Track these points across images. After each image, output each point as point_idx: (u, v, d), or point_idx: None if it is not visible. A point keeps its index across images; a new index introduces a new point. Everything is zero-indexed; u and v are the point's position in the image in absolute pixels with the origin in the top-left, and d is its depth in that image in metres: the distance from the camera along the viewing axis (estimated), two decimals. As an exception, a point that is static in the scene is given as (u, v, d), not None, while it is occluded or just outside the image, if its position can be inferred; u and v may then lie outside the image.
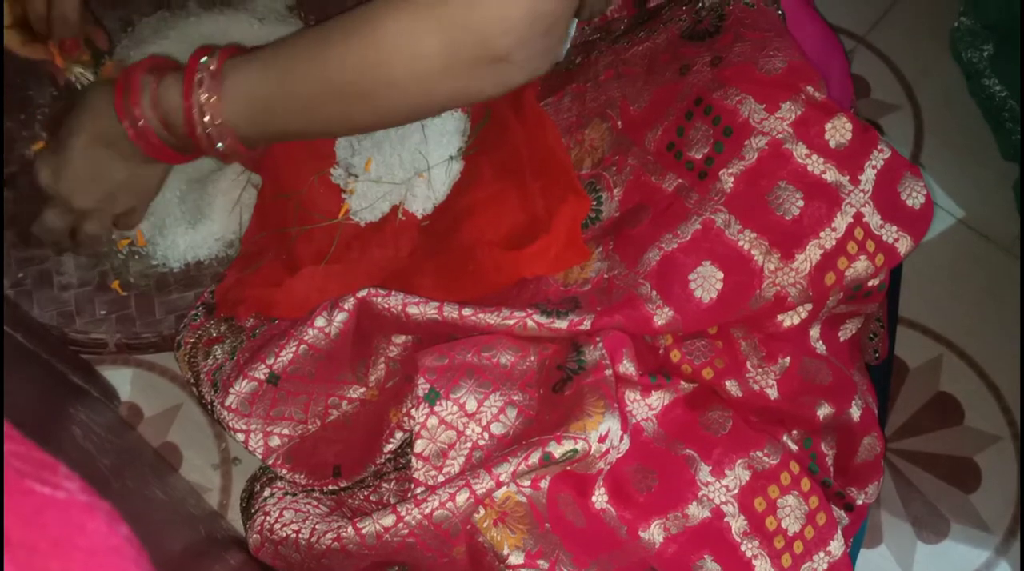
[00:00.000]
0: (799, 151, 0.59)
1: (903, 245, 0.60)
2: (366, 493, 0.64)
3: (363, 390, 0.68)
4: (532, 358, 0.60)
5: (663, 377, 0.60)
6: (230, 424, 0.66)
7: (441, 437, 0.57)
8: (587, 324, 0.58)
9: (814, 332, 0.64)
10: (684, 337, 0.61)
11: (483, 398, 0.58)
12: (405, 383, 0.63)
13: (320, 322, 0.64)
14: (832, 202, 0.59)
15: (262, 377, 0.65)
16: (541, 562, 0.53)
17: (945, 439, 0.93)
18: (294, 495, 0.65)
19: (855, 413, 0.62)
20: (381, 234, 0.73)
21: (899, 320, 0.95)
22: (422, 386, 0.58)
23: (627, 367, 0.58)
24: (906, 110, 1.06)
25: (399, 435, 0.60)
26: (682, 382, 0.61)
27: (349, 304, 0.63)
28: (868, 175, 0.59)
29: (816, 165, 0.59)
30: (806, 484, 0.60)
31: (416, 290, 0.64)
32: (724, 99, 0.61)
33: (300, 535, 0.61)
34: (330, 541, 0.58)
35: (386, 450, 0.61)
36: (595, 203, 0.66)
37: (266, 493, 0.66)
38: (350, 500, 0.65)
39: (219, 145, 0.59)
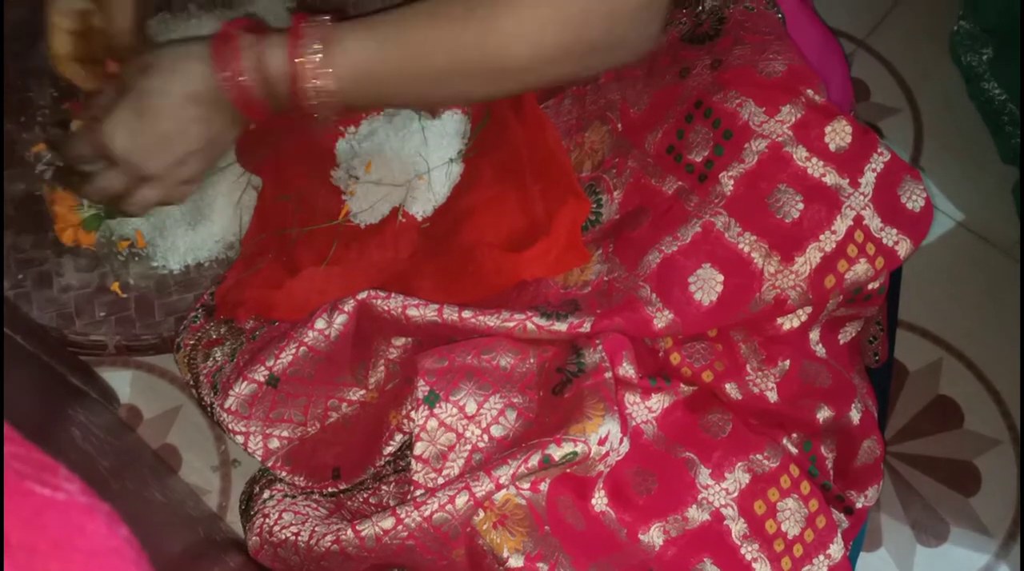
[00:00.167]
0: (799, 154, 0.59)
1: (903, 248, 0.60)
2: (365, 495, 0.64)
3: (363, 392, 0.68)
4: (532, 360, 0.60)
5: (663, 380, 0.60)
6: (229, 426, 0.66)
7: (441, 439, 0.57)
8: (587, 326, 0.58)
9: (814, 335, 0.64)
10: (684, 340, 0.61)
11: (483, 400, 0.58)
12: (405, 385, 0.63)
13: (320, 324, 0.64)
14: (832, 205, 0.59)
15: (262, 379, 0.65)
16: (541, 565, 0.53)
17: (945, 442, 0.93)
18: (293, 497, 0.65)
19: (855, 416, 0.62)
20: (381, 236, 0.73)
21: (899, 323, 0.95)
22: (422, 388, 0.58)
23: (627, 370, 0.58)
24: (906, 113, 1.06)
25: (399, 437, 0.60)
26: (682, 385, 0.61)
27: (349, 306, 0.63)
28: (868, 178, 0.59)
29: (816, 168, 0.59)
30: (806, 487, 0.60)
31: (416, 292, 0.64)
32: (724, 102, 0.61)
33: (299, 537, 0.61)
34: (329, 543, 0.58)
35: (386, 452, 0.61)
36: (595, 206, 0.66)
37: (265, 495, 0.65)
38: (349, 502, 0.65)
39: (317, 103, 0.59)
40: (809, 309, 0.60)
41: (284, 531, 0.62)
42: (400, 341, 0.67)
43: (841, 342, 0.67)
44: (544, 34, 0.55)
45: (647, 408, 0.61)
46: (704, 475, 0.58)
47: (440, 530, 0.55)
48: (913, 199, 0.61)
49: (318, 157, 0.76)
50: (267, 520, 0.63)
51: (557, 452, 0.54)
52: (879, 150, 0.60)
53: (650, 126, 0.64)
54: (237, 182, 0.78)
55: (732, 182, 0.60)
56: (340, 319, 0.64)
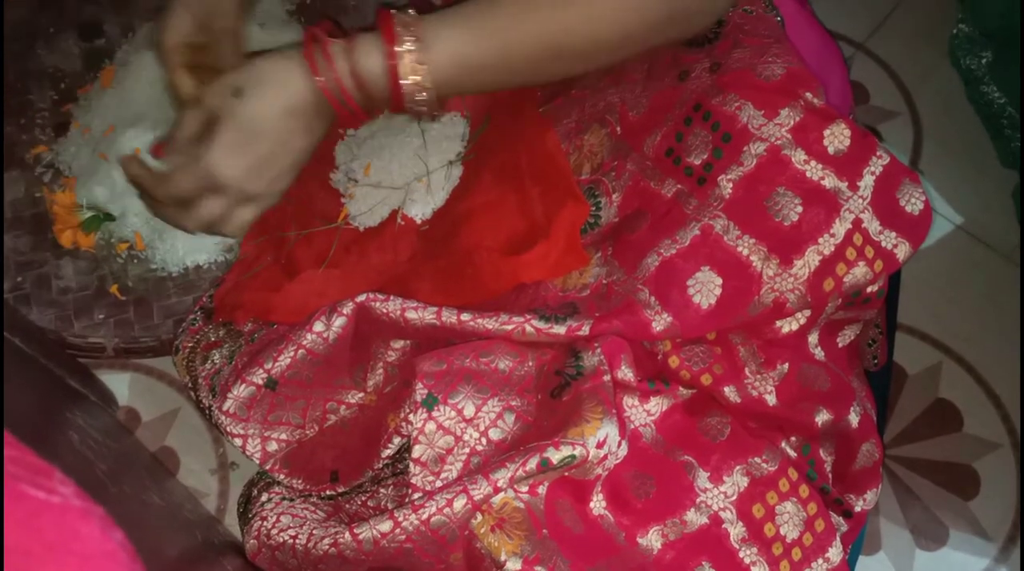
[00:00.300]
0: (798, 157, 0.59)
1: (902, 251, 0.60)
2: (364, 498, 0.64)
3: (361, 395, 0.68)
4: (530, 363, 0.60)
5: (661, 383, 0.60)
6: (228, 429, 0.66)
7: (439, 442, 0.57)
8: (586, 329, 0.58)
9: (813, 338, 0.64)
10: (683, 343, 0.61)
11: (481, 403, 0.58)
12: (403, 388, 0.63)
13: (318, 327, 0.64)
14: (831, 208, 0.59)
15: (260, 382, 0.65)
16: (539, 568, 0.53)
17: (944, 446, 0.93)
18: (291, 500, 0.65)
19: (853, 419, 0.62)
20: (380, 239, 0.73)
21: (898, 326, 0.95)
22: (420, 391, 0.58)
23: (625, 373, 0.58)
24: (905, 117, 1.06)
25: (397, 440, 0.60)
26: (680, 388, 0.61)
27: (348, 309, 0.63)
28: (867, 181, 0.59)
29: (815, 171, 0.59)
30: (804, 491, 0.60)
31: (415, 295, 0.64)
32: (723, 105, 0.61)
33: (297, 540, 0.61)
34: (327, 546, 0.58)
35: (384, 455, 0.60)
36: (594, 209, 0.66)
37: (263, 498, 0.65)
38: (348, 505, 0.64)
39: (417, 98, 0.59)
40: (808, 312, 0.60)
41: (282, 534, 0.62)
42: (399, 344, 0.67)
43: (840, 345, 0.67)
44: (633, 10, 0.57)
45: (646, 411, 0.60)
46: (703, 478, 0.58)
47: (438, 533, 0.54)
48: (912, 202, 0.61)
49: (317, 160, 0.76)
50: (265, 523, 0.63)
51: (555, 455, 0.54)
52: (878, 153, 0.60)
53: (649, 129, 0.64)
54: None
55: (731, 185, 0.60)
56: (339, 322, 0.63)
